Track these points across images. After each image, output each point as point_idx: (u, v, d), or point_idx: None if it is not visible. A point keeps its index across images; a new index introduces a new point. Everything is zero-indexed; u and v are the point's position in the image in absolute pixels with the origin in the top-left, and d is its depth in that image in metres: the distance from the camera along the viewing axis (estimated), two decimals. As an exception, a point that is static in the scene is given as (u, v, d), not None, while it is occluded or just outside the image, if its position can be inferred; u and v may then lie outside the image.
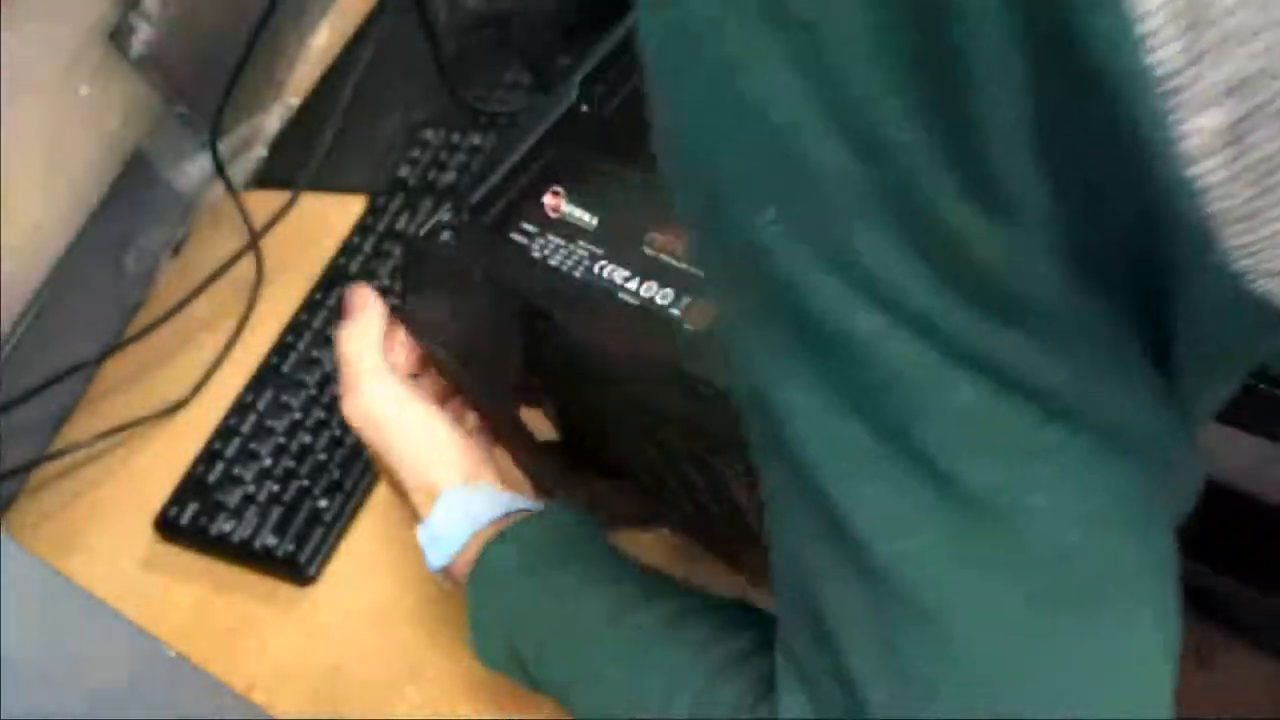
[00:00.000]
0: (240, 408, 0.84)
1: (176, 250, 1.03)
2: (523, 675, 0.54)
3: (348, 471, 0.78)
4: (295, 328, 0.86)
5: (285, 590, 0.76)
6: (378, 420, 0.60)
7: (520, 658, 0.53)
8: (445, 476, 0.58)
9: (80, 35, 0.94)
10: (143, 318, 0.99)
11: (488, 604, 0.56)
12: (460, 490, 0.58)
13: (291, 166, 0.96)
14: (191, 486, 0.81)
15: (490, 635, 0.55)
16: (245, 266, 0.95)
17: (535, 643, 0.53)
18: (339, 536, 0.76)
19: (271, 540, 0.76)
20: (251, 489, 0.79)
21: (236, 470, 0.80)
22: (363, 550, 0.76)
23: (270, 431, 0.81)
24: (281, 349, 0.86)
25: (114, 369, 0.98)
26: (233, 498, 0.79)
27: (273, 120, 1.05)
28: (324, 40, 1.10)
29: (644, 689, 0.46)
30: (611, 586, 0.52)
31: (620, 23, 0.64)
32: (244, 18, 1.01)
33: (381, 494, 0.77)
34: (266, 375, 0.85)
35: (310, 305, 0.88)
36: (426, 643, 0.70)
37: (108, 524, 0.86)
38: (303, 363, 0.84)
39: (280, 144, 1.04)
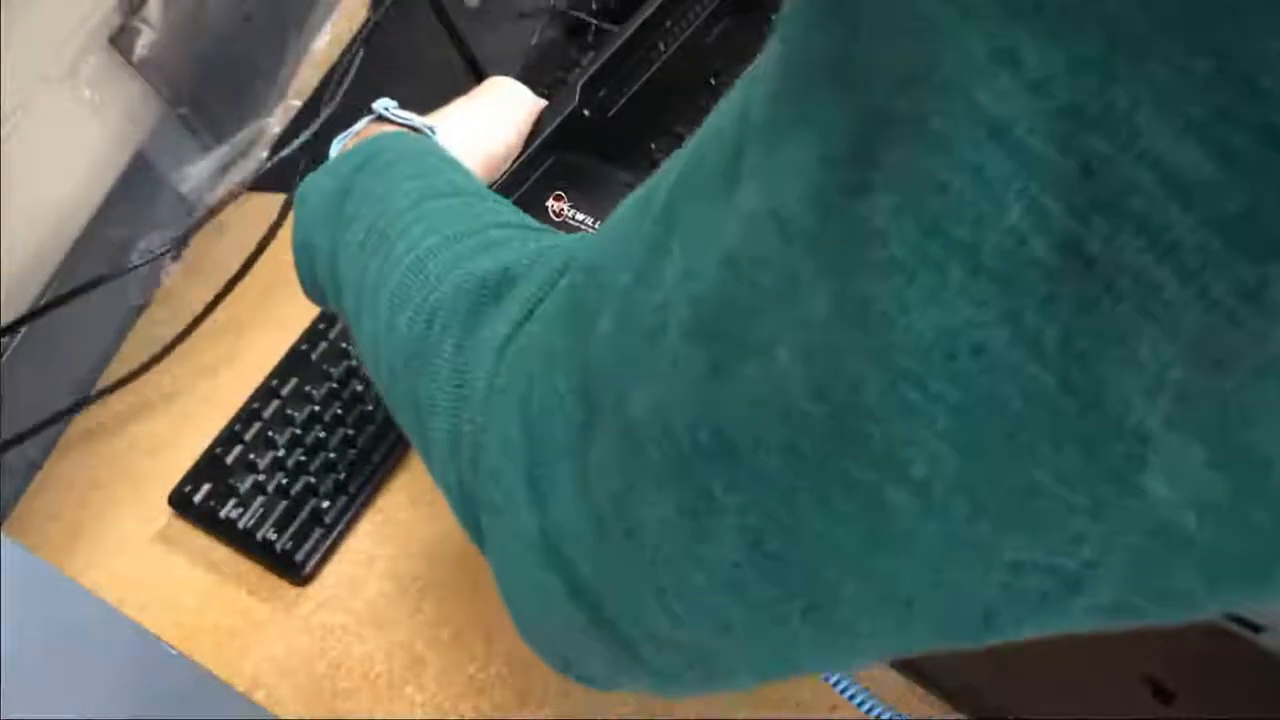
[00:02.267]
0: (266, 391, 0.84)
1: (179, 253, 1.03)
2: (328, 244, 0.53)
3: (353, 475, 0.78)
4: (328, 316, 0.86)
5: (287, 589, 0.76)
6: (510, 95, 0.66)
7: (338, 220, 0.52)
8: (457, 133, 0.62)
9: (82, 39, 0.94)
10: (146, 320, 1.00)
11: (332, 170, 0.55)
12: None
13: (294, 168, 0.96)
14: (209, 466, 0.82)
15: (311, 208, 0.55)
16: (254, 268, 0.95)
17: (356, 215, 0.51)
18: (337, 540, 0.77)
19: (272, 534, 0.77)
20: (262, 478, 0.80)
21: (252, 456, 0.81)
22: (364, 550, 0.76)
23: (289, 420, 0.82)
24: (313, 335, 0.86)
25: (116, 369, 0.98)
26: (244, 484, 0.80)
27: (275, 123, 1.06)
28: (326, 42, 1.11)
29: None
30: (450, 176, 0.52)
31: (621, 29, 0.65)
32: (245, 21, 1.01)
33: (385, 497, 0.78)
34: (295, 361, 0.85)
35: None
36: (426, 642, 0.70)
37: (109, 525, 0.87)
38: (330, 353, 0.84)
39: (282, 146, 1.04)
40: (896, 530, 0.24)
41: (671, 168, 0.30)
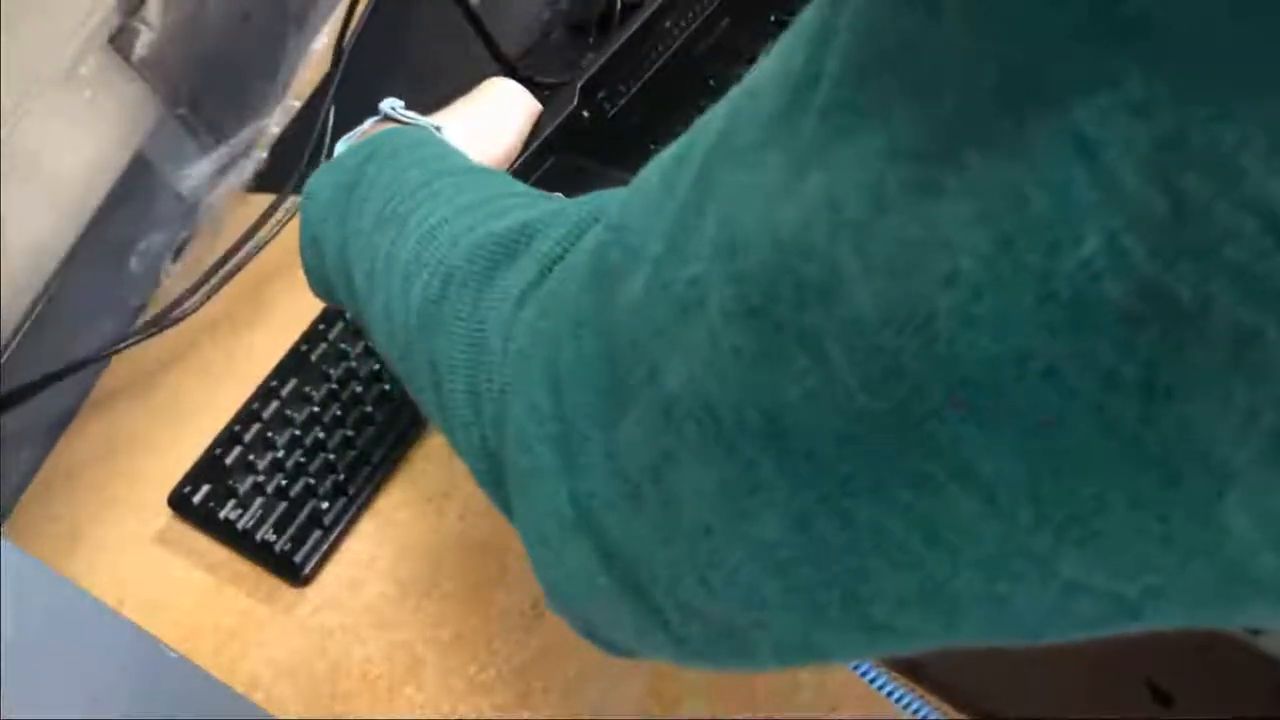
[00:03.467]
0: (265, 392, 0.84)
1: (178, 253, 1.03)
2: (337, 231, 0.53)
3: (353, 476, 0.78)
4: (328, 317, 0.86)
5: (285, 590, 0.76)
6: (510, 98, 0.67)
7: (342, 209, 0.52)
8: (460, 133, 0.62)
9: (82, 40, 0.94)
10: (146, 320, 1.00)
11: (341, 162, 0.56)
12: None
13: (293, 169, 0.96)
14: (208, 467, 0.82)
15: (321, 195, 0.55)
16: (250, 267, 0.95)
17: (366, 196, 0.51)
18: (337, 541, 0.77)
19: (271, 535, 0.77)
20: (262, 479, 0.79)
21: (251, 457, 0.81)
22: (364, 551, 0.76)
23: (288, 422, 0.81)
24: (313, 336, 0.86)
25: (116, 370, 0.98)
26: (244, 484, 0.80)
27: (274, 123, 1.06)
28: (325, 43, 1.11)
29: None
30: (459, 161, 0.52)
31: (620, 30, 0.65)
32: (244, 22, 1.01)
33: (384, 498, 0.78)
34: (294, 362, 0.85)
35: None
36: (426, 643, 0.70)
37: (109, 526, 0.87)
38: (330, 355, 0.84)
39: (281, 147, 1.04)
40: (955, 528, 0.23)
41: (707, 125, 0.29)
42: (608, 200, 0.35)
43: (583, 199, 0.40)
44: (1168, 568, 0.21)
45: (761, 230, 0.24)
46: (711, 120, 0.28)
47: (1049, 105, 0.19)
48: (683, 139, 0.30)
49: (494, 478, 0.37)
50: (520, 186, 0.48)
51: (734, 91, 0.28)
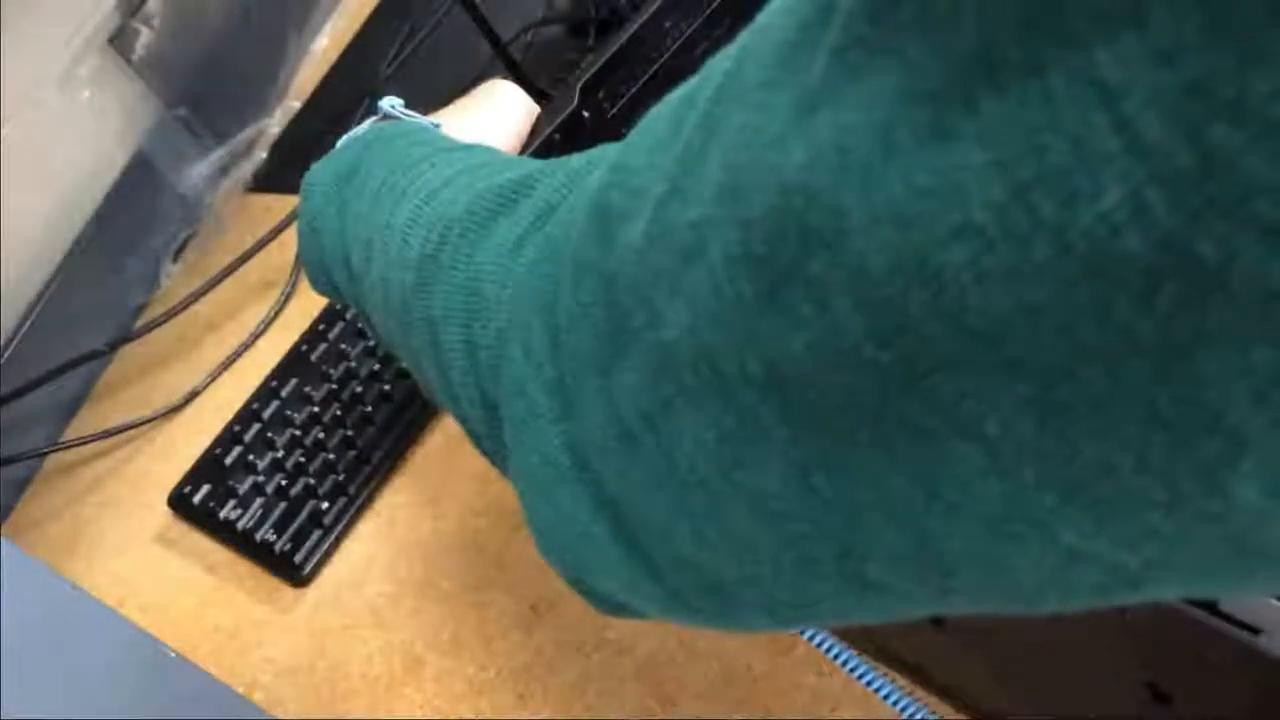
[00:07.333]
0: (265, 392, 0.84)
1: (178, 253, 1.03)
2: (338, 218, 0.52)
3: (353, 476, 0.78)
4: (328, 317, 0.86)
5: (285, 591, 0.76)
6: (508, 98, 0.67)
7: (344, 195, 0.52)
8: (459, 132, 0.62)
9: (82, 40, 0.94)
10: (146, 320, 1.00)
11: (341, 154, 0.55)
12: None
13: (293, 169, 0.96)
14: (208, 467, 0.82)
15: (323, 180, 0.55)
16: (253, 267, 0.95)
17: (369, 174, 0.51)
18: (337, 541, 0.77)
19: (271, 535, 0.77)
20: (261, 479, 0.80)
21: (251, 457, 0.81)
22: (363, 551, 0.76)
23: (288, 422, 0.82)
24: (313, 336, 0.86)
25: (117, 370, 0.98)
26: (244, 485, 0.80)
27: (274, 123, 1.06)
28: (325, 43, 1.11)
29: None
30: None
31: (620, 30, 0.65)
32: (244, 22, 1.01)
33: (384, 498, 0.78)
34: (294, 362, 0.85)
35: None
36: (426, 644, 0.70)
37: (109, 526, 0.87)
38: (330, 355, 0.84)
39: (281, 147, 1.04)
40: (955, 485, 0.22)
41: (716, 65, 0.28)
42: (609, 148, 0.35)
43: (585, 152, 0.39)
44: (1171, 536, 0.20)
45: (766, 173, 0.23)
46: (722, 60, 0.28)
47: (1070, 46, 0.18)
48: (693, 80, 0.29)
49: (491, 432, 0.37)
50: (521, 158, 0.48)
51: (745, 30, 0.27)
